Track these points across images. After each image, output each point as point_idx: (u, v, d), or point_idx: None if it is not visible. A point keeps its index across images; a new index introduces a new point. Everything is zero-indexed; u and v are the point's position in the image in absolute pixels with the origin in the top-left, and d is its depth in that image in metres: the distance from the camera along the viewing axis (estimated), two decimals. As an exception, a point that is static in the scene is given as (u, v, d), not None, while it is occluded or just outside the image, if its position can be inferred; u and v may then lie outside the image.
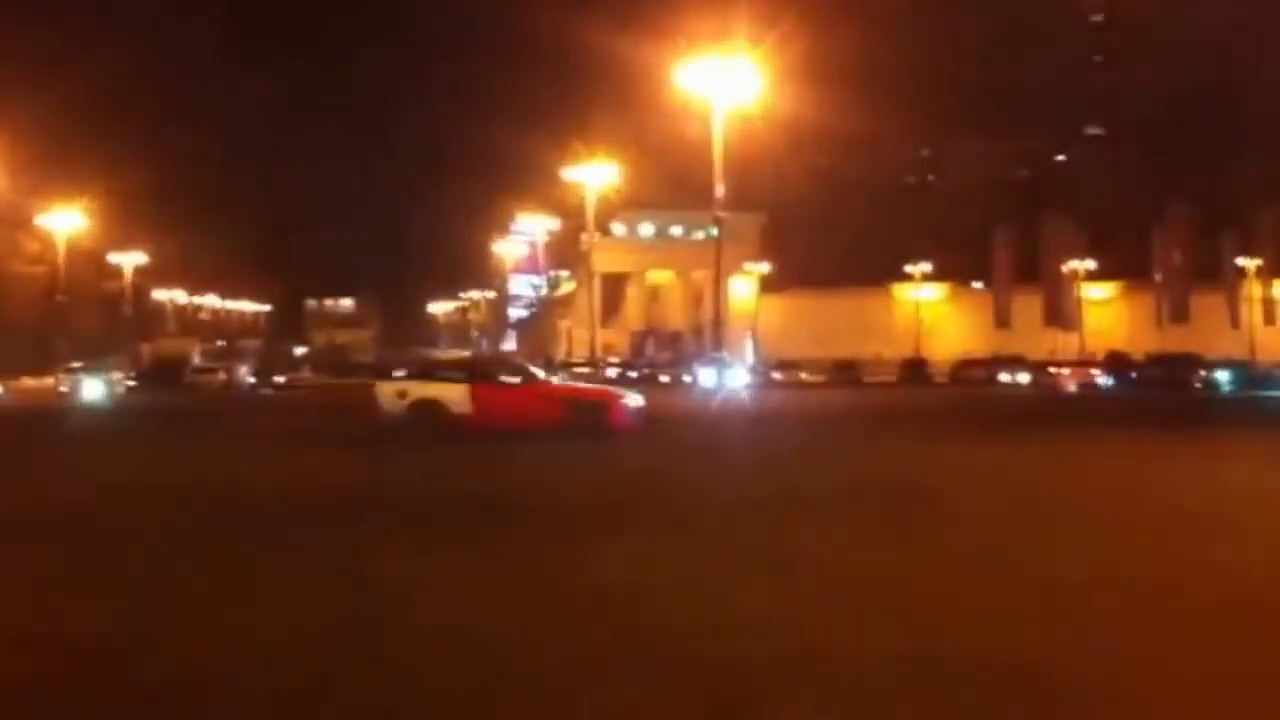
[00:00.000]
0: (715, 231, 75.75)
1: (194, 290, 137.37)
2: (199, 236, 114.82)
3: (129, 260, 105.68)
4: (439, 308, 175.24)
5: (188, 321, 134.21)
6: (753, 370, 76.70)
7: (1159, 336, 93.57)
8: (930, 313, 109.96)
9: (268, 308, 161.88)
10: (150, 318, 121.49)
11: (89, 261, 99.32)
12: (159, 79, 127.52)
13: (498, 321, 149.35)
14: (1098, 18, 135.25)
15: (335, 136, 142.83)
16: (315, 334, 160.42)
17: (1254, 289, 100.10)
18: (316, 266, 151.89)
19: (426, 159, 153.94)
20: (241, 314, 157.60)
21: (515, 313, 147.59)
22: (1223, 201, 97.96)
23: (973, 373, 75.02)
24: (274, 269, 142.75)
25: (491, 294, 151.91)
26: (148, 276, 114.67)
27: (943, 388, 68.58)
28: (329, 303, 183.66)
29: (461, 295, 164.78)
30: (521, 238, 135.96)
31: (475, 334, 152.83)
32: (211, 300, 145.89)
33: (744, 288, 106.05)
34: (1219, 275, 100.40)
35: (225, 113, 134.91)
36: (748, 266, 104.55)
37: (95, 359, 75.59)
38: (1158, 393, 54.75)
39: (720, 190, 72.40)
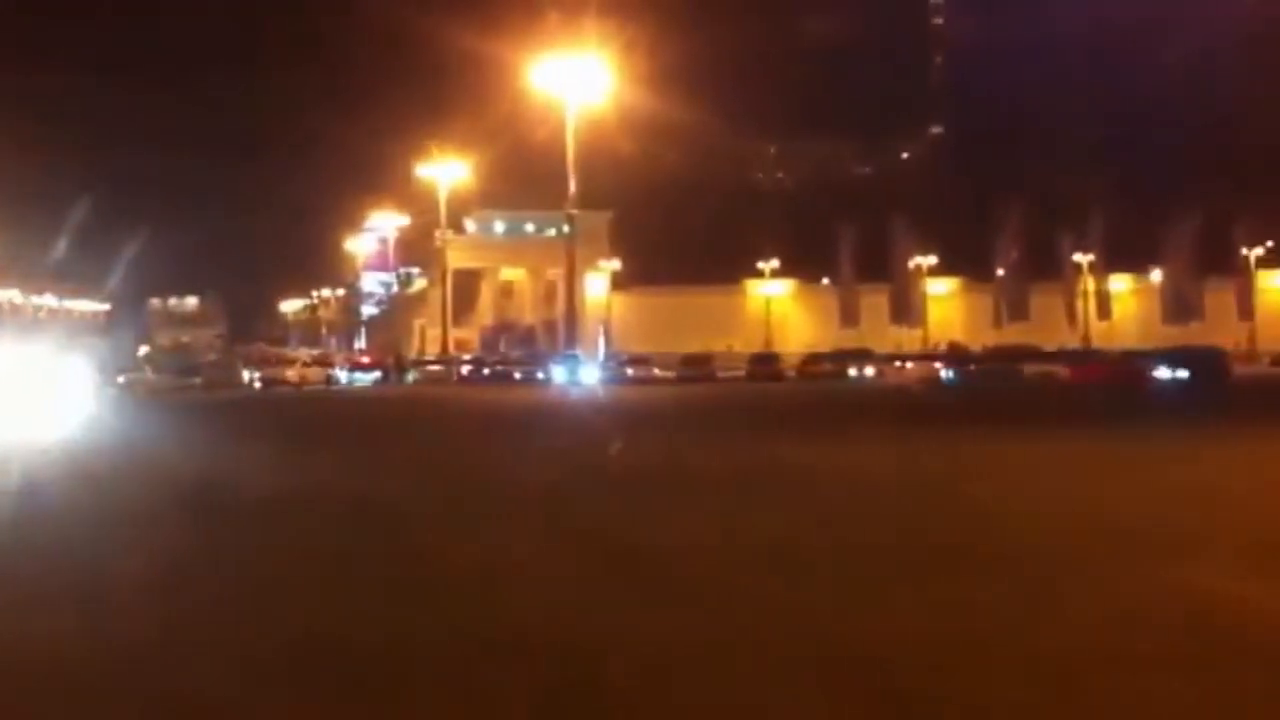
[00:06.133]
0: (567, 229, 76.66)
1: (30, 290, 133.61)
2: (32, 234, 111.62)
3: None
4: (289, 306, 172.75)
5: (24, 322, 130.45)
6: (605, 366, 77.23)
7: (999, 331, 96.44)
8: (780, 309, 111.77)
9: (107, 307, 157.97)
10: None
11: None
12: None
13: (348, 319, 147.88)
14: (939, 20, 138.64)
15: (182, 133, 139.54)
16: (159, 333, 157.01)
17: (1089, 284, 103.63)
18: (160, 264, 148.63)
19: (276, 155, 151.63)
20: (82, 314, 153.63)
21: (367, 310, 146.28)
22: (1060, 199, 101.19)
23: (819, 368, 76.40)
24: (115, 267, 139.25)
25: (342, 292, 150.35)
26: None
27: (790, 383, 69.81)
28: (174, 301, 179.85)
29: (312, 293, 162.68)
30: (373, 235, 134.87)
31: (325, 332, 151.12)
32: (49, 300, 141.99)
33: (596, 284, 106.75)
34: (1056, 271, 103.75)
35: (57, 104, 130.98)
36: (600, 263, 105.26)
37: None
38: (993, 384, 56.47)
39: (573, 187, 73.19)
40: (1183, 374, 57.24)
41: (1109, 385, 51.27)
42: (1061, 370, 60.62)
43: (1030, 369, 61.87)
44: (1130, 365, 60.19)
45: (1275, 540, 10.59)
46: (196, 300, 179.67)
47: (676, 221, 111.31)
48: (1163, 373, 58.38)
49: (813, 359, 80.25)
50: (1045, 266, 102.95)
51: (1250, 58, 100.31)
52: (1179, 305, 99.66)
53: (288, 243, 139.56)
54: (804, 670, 6.00)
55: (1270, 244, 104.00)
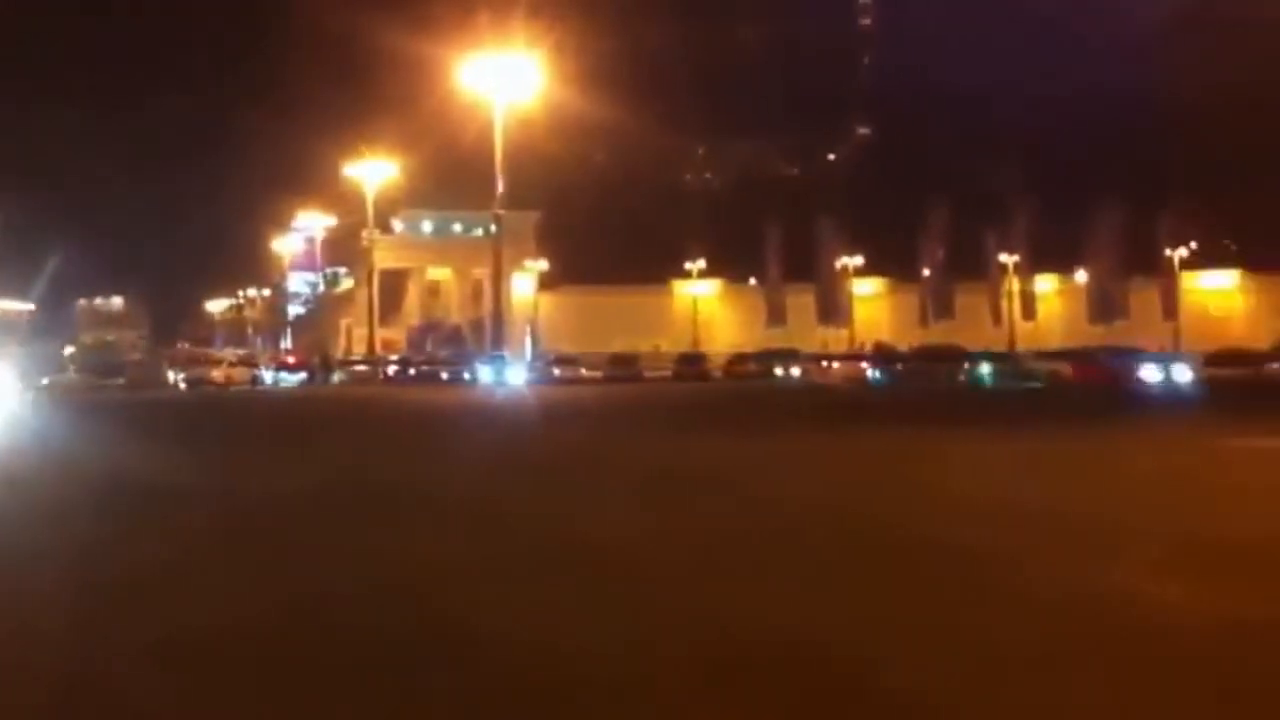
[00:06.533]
0: (495, 229, 76.56)
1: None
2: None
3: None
4: (216, 305, 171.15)
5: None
6: (532, 366, 77.16)
7: (925, 331, 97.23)
8: (707, 309, 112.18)
9: (32, 307, 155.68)
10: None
11: None
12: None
13: (275, 319, 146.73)
14: (866, 21, 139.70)
15: (107, 133, 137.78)
16: (84, 334, 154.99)
17: (1013, 284, 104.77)
18: (88, 264, 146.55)
19: (203, 155, 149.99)
20: (6, 313, 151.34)
21: (294, 310, 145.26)
22: (985, 200, 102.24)
23: (746, 368, 76.70)
24: (42, 267, 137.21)
25: (268, 292, 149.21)
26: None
27: (716, 382, 70.06)
28: (99, 301, 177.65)
29: (238, 293, 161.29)
30: (300, 235, 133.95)
31: (251, 332, 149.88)
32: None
33: (523, 284, 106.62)
34: (982, 271, 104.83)
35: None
36: (527, 263, 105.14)
37: None
38: (918, 383, 56.95)
39: (501, 187, 73.10)
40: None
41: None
42: (1065, 369, 60.09)
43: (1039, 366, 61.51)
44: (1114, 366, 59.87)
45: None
46: (122, 300, 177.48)
47: (604, 221, 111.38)
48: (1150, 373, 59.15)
49: (739, 359, 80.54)
50: (971, 267, 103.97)
51: (1176, 59, 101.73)
52: (1104, 305, 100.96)
53: (214, 242, 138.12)
54: (731, 669, 5.94)
55: (1195, 244, 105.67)
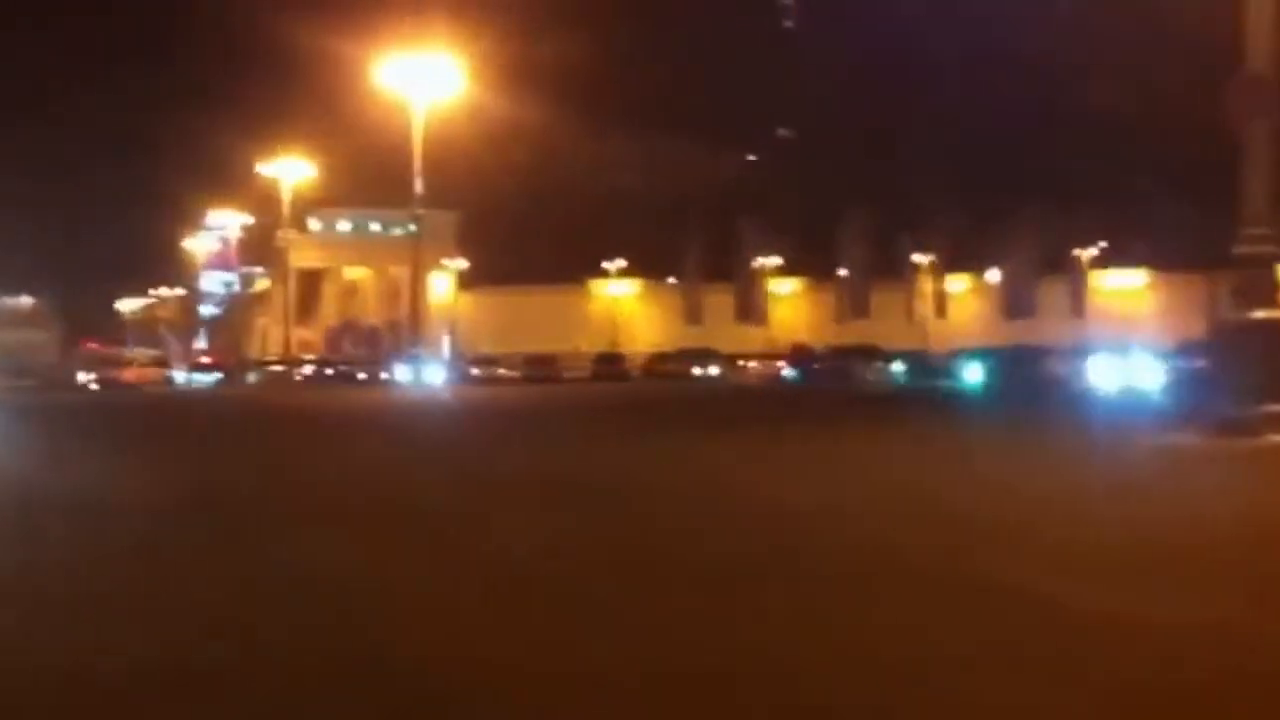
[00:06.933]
0: (414, 228, 76.22)
1: None
2: None
3: None
4: (128, 305, 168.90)
5: None
6: (450, 366, 77.03)
7: (841, 329, 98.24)
8: (626, 309, 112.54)
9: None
10: None
11: None
12: None
13: (189, 319, 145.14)
14: (789, 23, 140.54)
15: (14, 130, 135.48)
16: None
17: (927, 284, 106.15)
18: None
19: (115, 153, 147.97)
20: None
21: (209, 310, 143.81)
22: (901, 202, 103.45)
23: (664, 367, 77.12)
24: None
25: (182, 291, 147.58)
26: None
27: (634, 382, 70.31)
28: (8, 301, 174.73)
29: (151, 292, 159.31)
30: (215, 234, 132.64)
31: (163, 332, 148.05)
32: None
33: (442, 284, 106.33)
34: (897, 272, 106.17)
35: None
36: (446, 263, 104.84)
37: None
38: (834, 382, 57.52)
39: (419, 187, 72.78)
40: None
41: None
42: None
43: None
44: None
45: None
46: (31, 300, 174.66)
47: (524, 222, 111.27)
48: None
49: (657, 358, 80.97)
50: (887, 267, 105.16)
51: (1085, 64, 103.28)
52: (1016, 304, 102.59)
53: (126, 241, 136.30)
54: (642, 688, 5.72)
55: (1104, 244, 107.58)
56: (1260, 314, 18.27)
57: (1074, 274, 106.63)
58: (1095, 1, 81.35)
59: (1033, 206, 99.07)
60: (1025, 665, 5.60)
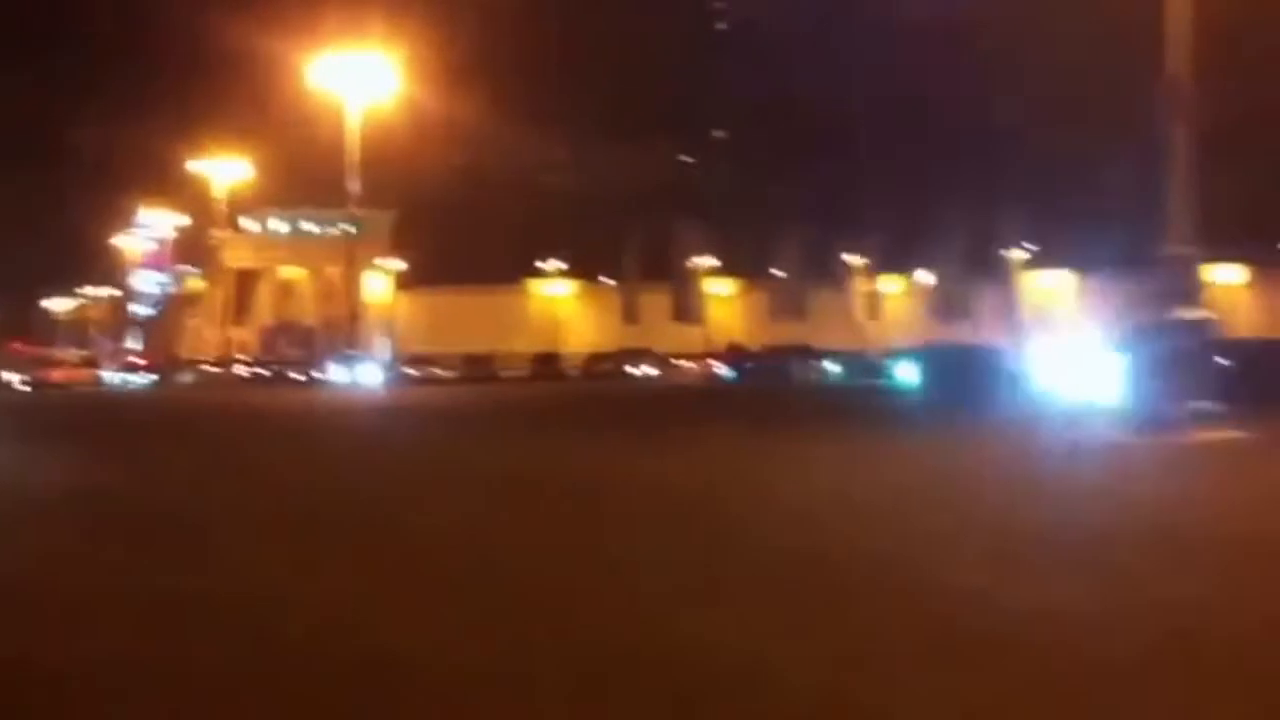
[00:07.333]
0: (349, 228, 75.84)
1: None
2: None
3: None
4: (58, 305, 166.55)
5: None
6: (386, 366, 76.71)
7: (776, 329, 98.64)
8: (563, 309, 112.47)
9: None
10: None
11: None
12: None
13: (120, 320, 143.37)
14: (723, 25, 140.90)
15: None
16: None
17: (862, 285, 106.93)
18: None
19: (43, 152, 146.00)
20: None
21: (141, 310, 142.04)
22: (838, 203, 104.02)
23: (601, 367, 77.31)
24: None
25: (114, 291, 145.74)
26: None
27: (571, 382, 70.37)
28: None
29: (80, 292, 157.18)
30: (147, 233, 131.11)
31: (94, 332, 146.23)
32: None
33: (378, 284, 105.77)
34: (832, 273, 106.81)
35: None
36: (382, 262, 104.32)
37: None
38: (769, 381, 57.85)
39: (355, 186, 72.42)
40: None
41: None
42: None
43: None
44: None
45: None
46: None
47: (461, 221, 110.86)
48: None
49: (595, 358, 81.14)
50: (822, 268, 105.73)
51: (1016, 65, 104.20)
52: (947, 305, 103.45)
53: (55, 241, 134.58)
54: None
55: (1036, 247, 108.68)
56: (1183, 314, 18.64)
57: (1003, 275, 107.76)
58: (1026, 4, 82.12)
59: (961, 209, 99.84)
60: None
